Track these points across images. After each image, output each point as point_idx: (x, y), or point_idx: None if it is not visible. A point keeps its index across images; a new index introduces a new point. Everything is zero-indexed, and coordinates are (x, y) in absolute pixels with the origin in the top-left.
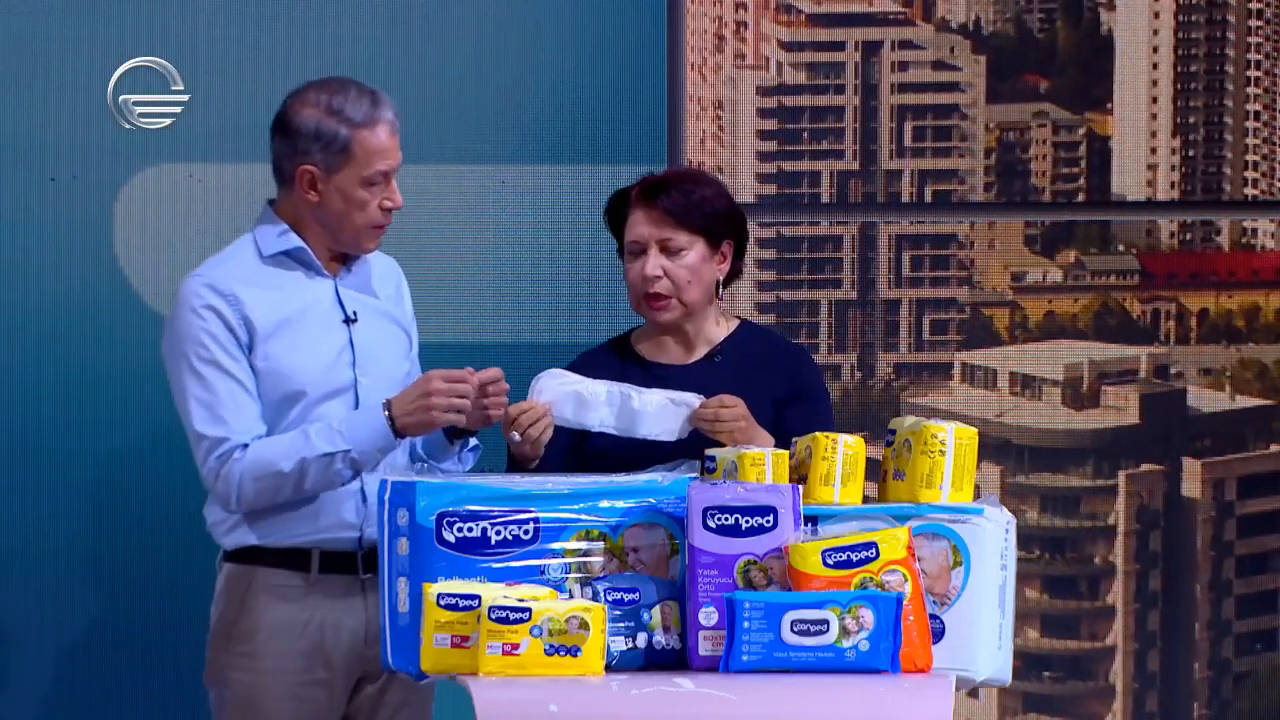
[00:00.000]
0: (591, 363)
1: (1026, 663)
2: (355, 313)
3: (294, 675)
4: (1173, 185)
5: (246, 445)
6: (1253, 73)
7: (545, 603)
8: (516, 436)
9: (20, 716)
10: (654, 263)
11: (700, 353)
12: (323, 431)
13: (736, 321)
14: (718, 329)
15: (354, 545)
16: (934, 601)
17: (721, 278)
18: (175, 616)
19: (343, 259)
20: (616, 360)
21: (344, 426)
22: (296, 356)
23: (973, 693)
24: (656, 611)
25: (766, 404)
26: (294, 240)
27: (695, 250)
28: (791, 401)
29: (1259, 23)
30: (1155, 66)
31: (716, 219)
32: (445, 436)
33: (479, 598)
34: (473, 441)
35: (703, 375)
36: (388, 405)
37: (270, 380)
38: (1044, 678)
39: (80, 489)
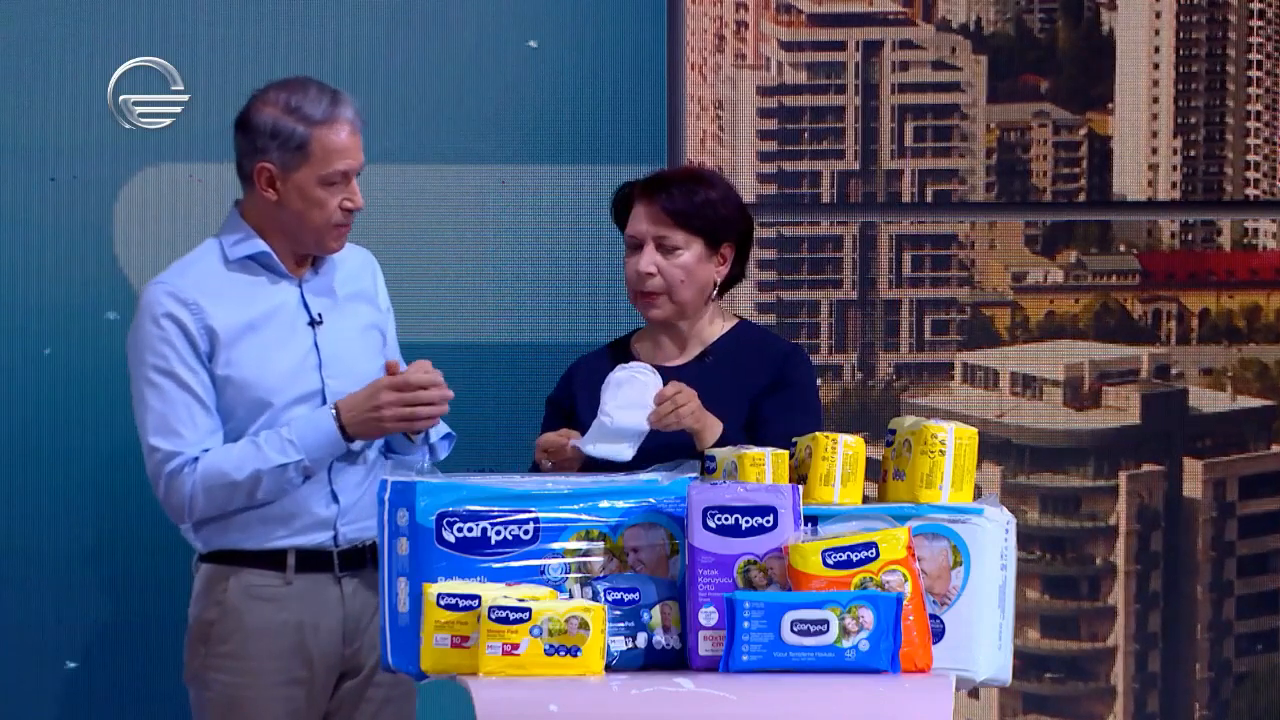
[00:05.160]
0: (588, 366)
1: (1027, 663)
2: (320, 315)
3: (275, 675)
4: (1173, 185)
5: (197, 459)
6: (1254, 73)
7: (545, 603)
8: (548, 464)
9: (21, 716)
10: (648, 259)
11: (693, 352)
12: (273, 441)
13: (735, 320)
14: (713, 329)
15: (329, 544)
16: (934, 601)
17: (719, 280)
18: (175, 616)
19: (309, 261)
20: (610, 365)
21: (294, 435)
22: (261, 364)
23: (973, 693)
24: (656, 611)
25: (746, 401)
26: (258, 245)
27: (692, 250)
28: (769, 391)
29: (1260, 23)
30: (1156, 66)
31: (717, 222)
32: (404, 435)
33: (479, 598)
34: (443, 430)
35: (693, 375)
36: (336, 409)
37: (235, 388)
38: (1044, 678)
39: (80, 489)
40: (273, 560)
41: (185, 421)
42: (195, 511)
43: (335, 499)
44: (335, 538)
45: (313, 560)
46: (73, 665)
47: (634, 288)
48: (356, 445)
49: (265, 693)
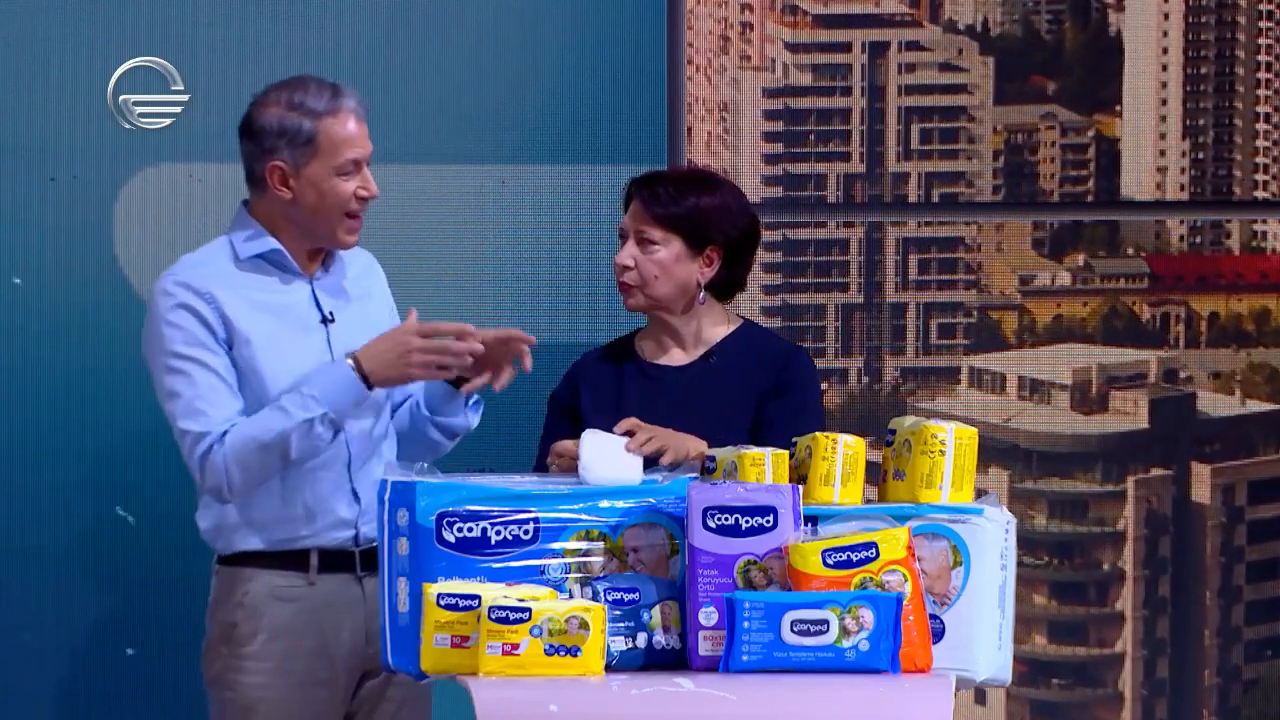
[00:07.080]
0: (590, 365)
1: (1034, 669)
2: (332, 313)
3: (298, 676)
4: (1182, 188)
5: (226, 433)
6: (1262, 74)
7: (545, 603)
8: (555, 466)
9: (21, 716)
10: (627, 252)
11: (696, 354)
12: (295, 399)
13: (739, 322)
14: (717, 330)
15: (351, 544)
16: (934, 601)
17: (703, 280)
18: (176, 616)
19: (319, 260)
20: (614, 363)
21: (314, 390)
22: (276, 362)
23: (980, 699)
24: (656, 611)
25: (753, 401)
26: (269, 243)
27: (669, 248)
28: (773, 393)
29: (1269, 24)
30: (1164, 68)
31: (700, 224)
32: (450, 389)
33: (479, 598)
34: (474, 396)
35: (697, 376)
36: (354, 359)
37: (251, 382)
38: (1052, 684)
39: (80, 489)
40: (295, 561)
41: (210, 401)
42: (234, 486)
43: (357, 498)
44: (356, 537)
45: (334, 560)
46: (71, 664)
47: (616, 278)
48: (373, 428)
49: (290, 694)
